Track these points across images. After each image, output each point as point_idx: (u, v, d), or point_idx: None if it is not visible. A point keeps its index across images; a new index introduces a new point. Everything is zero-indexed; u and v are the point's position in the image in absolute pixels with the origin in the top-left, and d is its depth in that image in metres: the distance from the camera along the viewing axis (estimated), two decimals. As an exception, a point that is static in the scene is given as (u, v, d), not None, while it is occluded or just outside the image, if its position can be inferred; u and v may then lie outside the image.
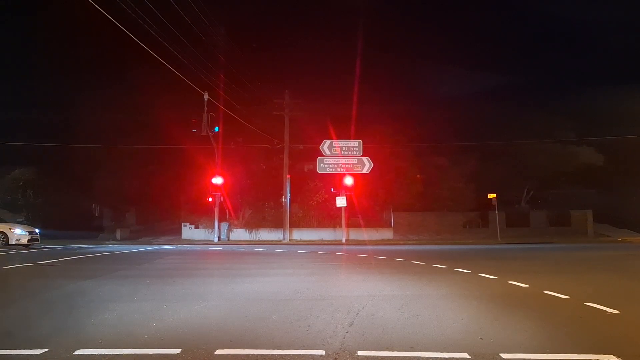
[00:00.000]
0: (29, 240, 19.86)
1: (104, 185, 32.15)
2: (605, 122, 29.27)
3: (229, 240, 27.74)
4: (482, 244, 23.10)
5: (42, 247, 20.38)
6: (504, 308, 6.42)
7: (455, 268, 10.88)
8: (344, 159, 26.64)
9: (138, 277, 9.96)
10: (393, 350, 4.41)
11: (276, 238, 27.84)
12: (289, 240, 27.14)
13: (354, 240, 26.62)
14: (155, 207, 35.25)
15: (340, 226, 26.61)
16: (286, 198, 27.80)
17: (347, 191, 26.12)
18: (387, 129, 28.96)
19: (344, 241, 25.83)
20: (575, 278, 9.72)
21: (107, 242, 26.45)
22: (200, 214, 30.50)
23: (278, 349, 4.45)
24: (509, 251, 18.17)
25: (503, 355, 4.24)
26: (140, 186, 32.64)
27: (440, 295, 7.41)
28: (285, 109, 28.31)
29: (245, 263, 14.04)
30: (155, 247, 21.89)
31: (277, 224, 28.29)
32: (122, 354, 4.32)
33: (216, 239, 27.37)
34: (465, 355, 4.27)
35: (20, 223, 22.33)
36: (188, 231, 31.35)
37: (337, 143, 26.74)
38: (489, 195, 25.88)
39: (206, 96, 24.06)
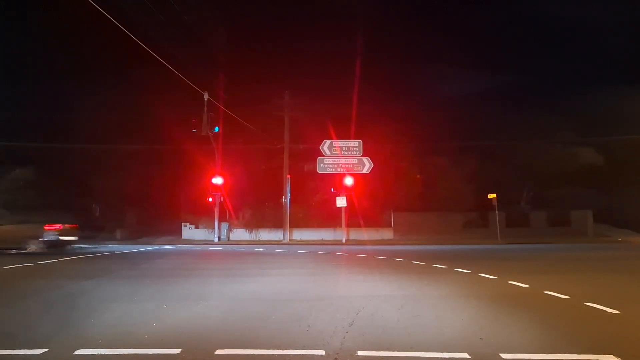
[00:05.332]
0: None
1: (103, 185, 32.12)
2: (605, 122, 29.27)
3: (229, 240, 27.72)
4: (482, 244, 23.08)
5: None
6: (504, 308, 6.42)
7: (455, 268, 10.88)
8: (344, 159, 26.62)
9: (138, 277, 9.97)
10: (393, 350, 4.40)
11: (276, 238, 27.83)
12: (289, 240, 27.12)
13: (354, 240, 26.60)
14: (155, 207, 35.19)
15: (340, 226, 26.59)
16: (286, 198, 27.79)
17: (347, 191, 26.10)
18: (387, 129, 28.92)
19: (344, 241, 25.81)
20: (575, 278, 9.72)
21: (107, 242, 26.42)
22: (200, 214, 30.49)
23: (278, 349, 4.45)
24: (509, 251, 18.14)
25: (503, 355, 4.23)
26: (140, 186, 32.61)
27: (440, 295, 7.40)
28: (285, 109, 28.29)
29: (245, 263, 14.04)
30: (156, 247, 21.90)
31: (277, 224, 28.27)
32: (122, 354, 4.33)
33: (216, 239, 27.36)
34: (465, 355, 4.27)
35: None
36: (188, 231, 31.35)
37: (337, 143, 26.72)
38: (489, 195, 25.85)
39: (206, 96, 24.06)
